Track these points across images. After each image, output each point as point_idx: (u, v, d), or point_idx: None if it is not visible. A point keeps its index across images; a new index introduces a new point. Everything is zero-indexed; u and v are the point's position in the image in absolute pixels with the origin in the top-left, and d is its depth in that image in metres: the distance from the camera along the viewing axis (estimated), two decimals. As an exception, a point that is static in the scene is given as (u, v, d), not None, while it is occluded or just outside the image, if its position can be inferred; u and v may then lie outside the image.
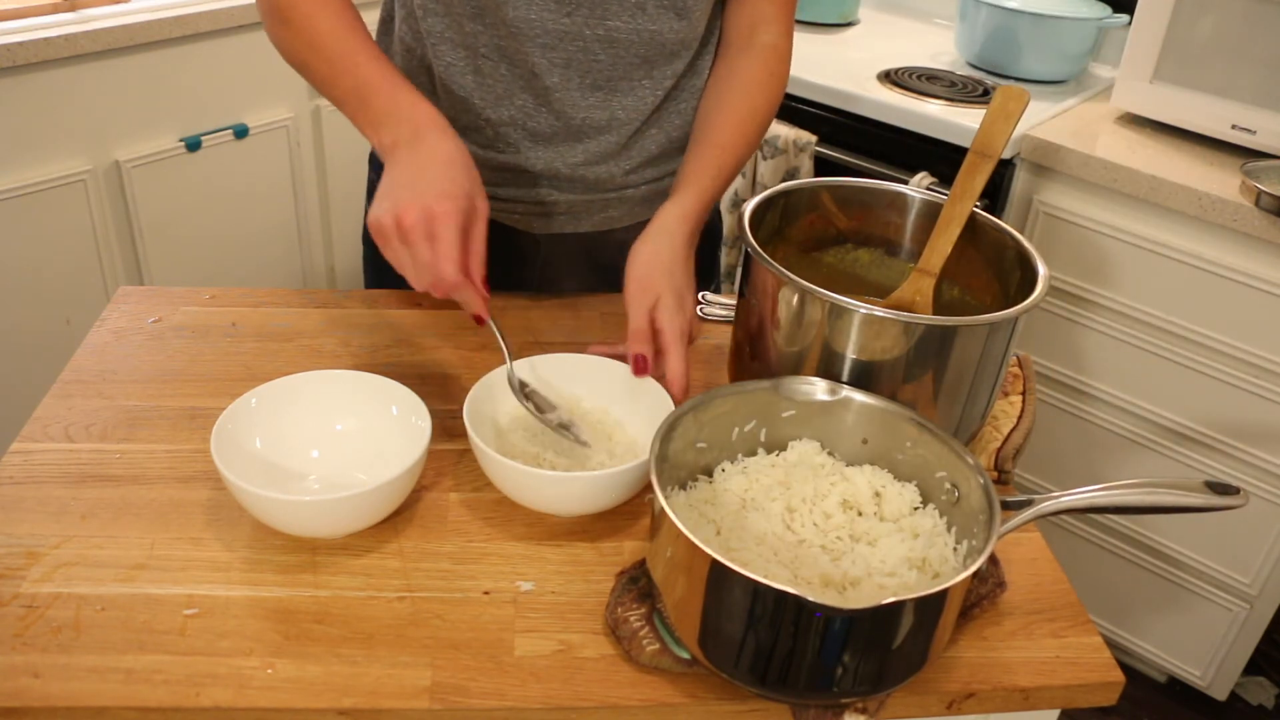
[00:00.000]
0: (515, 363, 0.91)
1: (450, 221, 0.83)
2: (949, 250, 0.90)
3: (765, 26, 1.08)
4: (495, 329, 0.90)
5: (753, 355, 0.89)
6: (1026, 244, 0.88)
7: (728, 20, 1.10)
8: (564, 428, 0.89)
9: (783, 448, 0.83)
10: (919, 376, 0.81)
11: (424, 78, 1.08)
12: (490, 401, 0.90)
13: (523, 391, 0.90)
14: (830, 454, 0.83)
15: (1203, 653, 1.88)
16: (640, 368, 0.90)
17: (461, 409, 0.86)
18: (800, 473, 0.81)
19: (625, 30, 1.01)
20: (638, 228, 1.17)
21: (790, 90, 1.97)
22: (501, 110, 1.06)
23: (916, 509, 0.79)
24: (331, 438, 0.90)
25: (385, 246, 0.86)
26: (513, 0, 0.98)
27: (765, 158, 1.97)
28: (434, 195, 0.83)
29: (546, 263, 1.18)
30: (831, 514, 0.78)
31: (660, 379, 0.90)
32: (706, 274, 1.27)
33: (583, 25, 1.00)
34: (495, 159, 1.08)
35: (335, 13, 0.95)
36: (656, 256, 0.94)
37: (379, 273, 1.26)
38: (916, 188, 0.97)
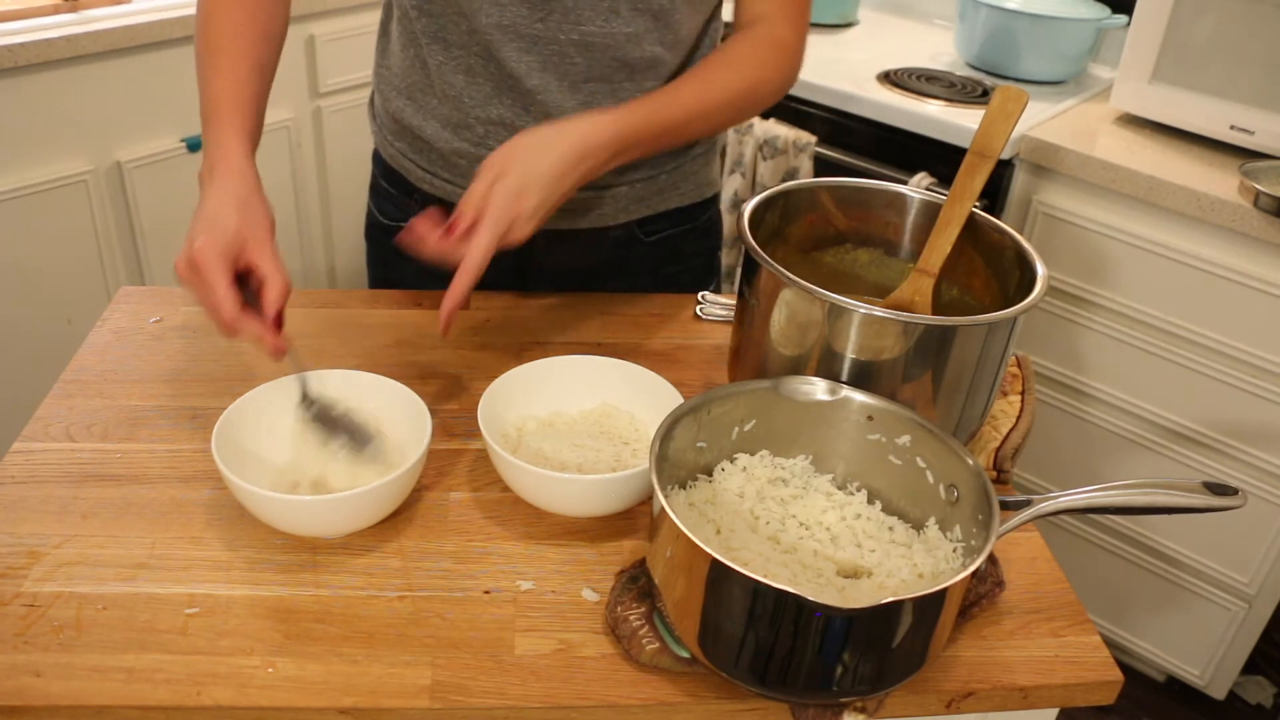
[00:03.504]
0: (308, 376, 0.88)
1: (207, 264, 0.82)
2: (948, 250, 0.90)
3: (766, 24, 1.06)
4: (295, 362, 0.87)
5: (753, 355, 0.90)
6: (1025, 244, 0.88)
7: (735, 14, 1.09)
8: (357, 443, 0.86)
9: (783, 447, 0.83)
10: (918, 376, 0.81)
11: (420, 74, 1.08)
12: (504, 402, 0.90)
13: (311, 411, 0.87)
14: (826, 477, 0.83)
15: (1201, 652, 1.88)
16: (448, 231, 0.88)
17: (461, 409, 0.86)
18: (799, 480, 0.82)
19: (599, 34, 1.00)
20: (632, 226, 1.17)
21: (790, 90, 1.97)
22: (490, 109, 1.06)
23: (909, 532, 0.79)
24: (332, 437, 0.90)
25: None
26: (485, 8, 0.98)
27: (765, 158, 1.97)
28: (197, 242, 0.83)
29: (542, 261, 1.19)
30: (831, 526, 0.79)
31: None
32: (705, 274, 1.27)
33: (556, 30, 1.00)
34: (488, 155, 1.08)
35: (237, 16, 0.95)
36: (535, 144, 0.90)
37: (383, 268, 1.27)
38: (916, 188, 0.97)
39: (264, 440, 0.87)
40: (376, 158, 1.22)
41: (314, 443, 0.88)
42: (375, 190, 1.24)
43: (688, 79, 1.03)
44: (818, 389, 0.81)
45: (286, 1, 1.02)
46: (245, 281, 0.86)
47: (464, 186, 1.11)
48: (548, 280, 1.20)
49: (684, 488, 0.81)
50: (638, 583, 0.78)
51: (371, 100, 1.20)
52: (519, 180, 0.88)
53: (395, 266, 1.23)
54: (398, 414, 0.89)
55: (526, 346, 1.08)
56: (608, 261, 1.19)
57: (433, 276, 1.17)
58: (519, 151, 0.89)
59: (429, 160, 1.13)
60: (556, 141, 0.90)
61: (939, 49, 2.19)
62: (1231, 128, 1.69)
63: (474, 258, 0.86)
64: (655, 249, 1.20)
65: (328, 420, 0.88)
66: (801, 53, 1.08)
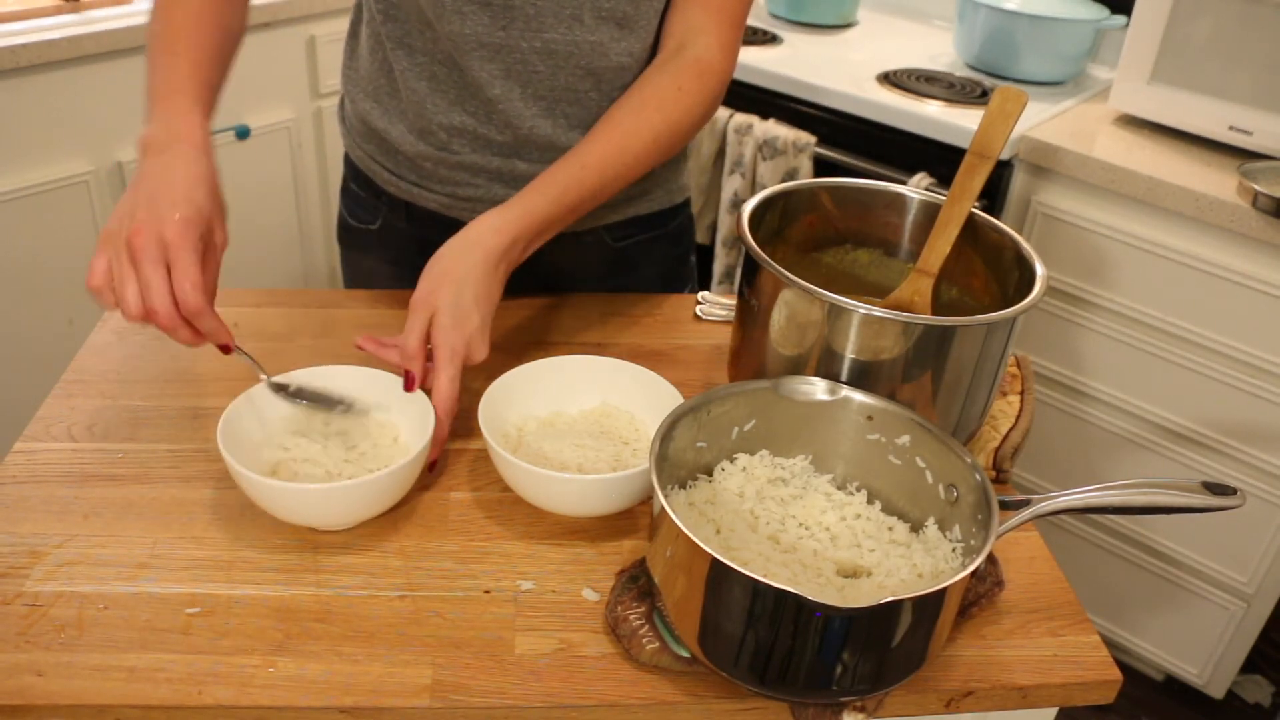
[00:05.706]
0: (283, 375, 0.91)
1: (188, 247, 0.78)
2: (948, 250, 0.90)
3: (695, 37, 1.01)
4: (244, 353, 0.88)
5: (752, 355, 0.90)
6: (1025, 244, 0.89)
7: (663, 28, 1.04)
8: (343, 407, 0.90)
9: (783, 447, 0.84)
10: (918, 376, 0.82)
11: (386, 79, 1.08)
12: (504, 402, 0.91)
13: (289, 392, 0.89)
14: (825, 477, 0.83)
15: (1200, 651, 1.89)
16: (408, 383, 0.88)
17: (462, 409, 0.86)
18: (799, 480, 0.82)
19: (562, 42, 0.99)
20: (600, 231, 1.16)
21: (790, 91, 1.98)
22: (453, 116, 1.05)
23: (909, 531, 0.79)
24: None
25: (114, 261, 0.80)
26: (447, 15, 0.97)
27: (765, 158, 1.98)
28: (170, 218, 0.78)
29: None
30: (830, 526, 0.79)
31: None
32: (676, 278, 1.27)
33: (519, 38, 0.99)
34: (450, 159, 1.08)
35: (196, 7, 0.94)
36: (451, 269, 0.89)
37: (356, 270, 1.26)
38: (915, 188, 0.98)
39: (265, 437, 0.88)
40: (347, 160, 1.21)
41: (312, 430, 0.89)
42: (345, 193, 1.23)
43: (600, 138, 0.97)
44: (817, 389, 0.81)
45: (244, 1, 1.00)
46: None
47: (429, 190, 1.12)
48: (512, 285, 1.19)
49: (684, 488, 0.81)
50: (638, 582, 0.79)
51: (341, 103, 1.19)
52: (453, 313, 0.87)
53: (367, 268, 1.24)
54: (402, 409, 0.90)
55: (526, 346, 1.08)
56: (575, 266, 1.18)
57: (407, 279, 1.17)
58: (440, 285, 0.88)
59: (395, 163, 1.12)
60: (471, 261, 0.89)
61: (938, 49, 2.19)
62: (1230, 128, 1.69)
63: (444, 404, 0.87)
64: (624, 254, 1.19)
65: (308, 395, 0.90)
66: (728, 74, 1.03)
